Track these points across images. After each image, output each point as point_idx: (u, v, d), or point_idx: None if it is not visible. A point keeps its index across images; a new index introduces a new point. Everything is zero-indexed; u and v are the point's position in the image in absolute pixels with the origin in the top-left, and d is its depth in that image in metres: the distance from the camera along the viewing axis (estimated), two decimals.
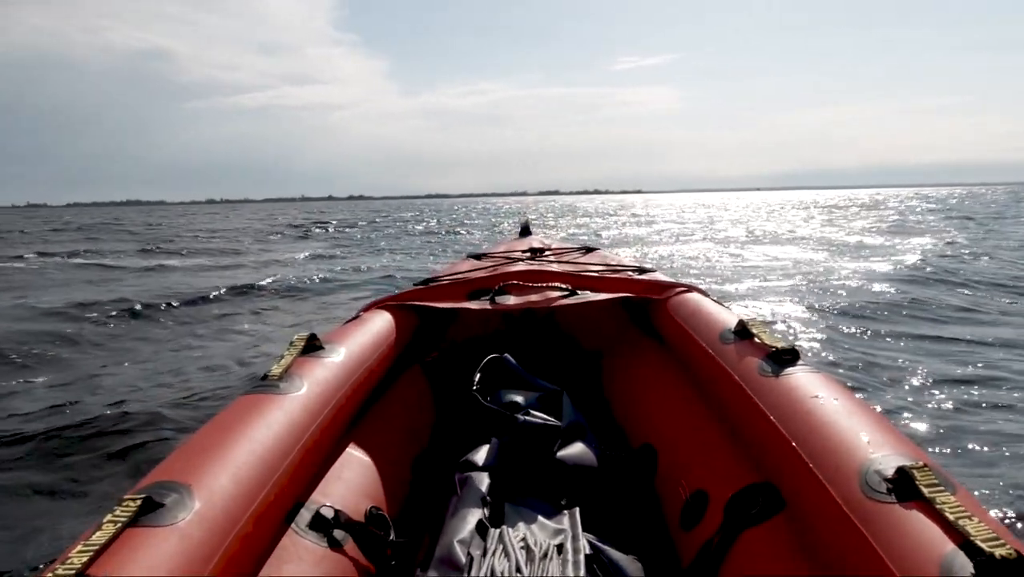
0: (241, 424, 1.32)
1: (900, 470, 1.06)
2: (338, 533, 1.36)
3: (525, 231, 5.01)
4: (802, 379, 1.47)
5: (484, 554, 1.30)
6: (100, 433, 3.59)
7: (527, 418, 1.77)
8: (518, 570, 1.25)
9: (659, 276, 2.82)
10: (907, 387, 4.26)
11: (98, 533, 0.93)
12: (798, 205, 52.27)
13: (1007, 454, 3.22)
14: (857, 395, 1.47)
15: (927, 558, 0.92)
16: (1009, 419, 3.70)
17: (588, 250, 3.65)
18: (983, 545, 0.89)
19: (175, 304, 8.10)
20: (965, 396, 4.06)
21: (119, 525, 0.95)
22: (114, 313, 7.45)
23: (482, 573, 1.24)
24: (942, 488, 1.02)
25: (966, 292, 7.97)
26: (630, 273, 2.83)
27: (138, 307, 7.72)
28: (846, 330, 5.93)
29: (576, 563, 1.28)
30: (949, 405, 3.91)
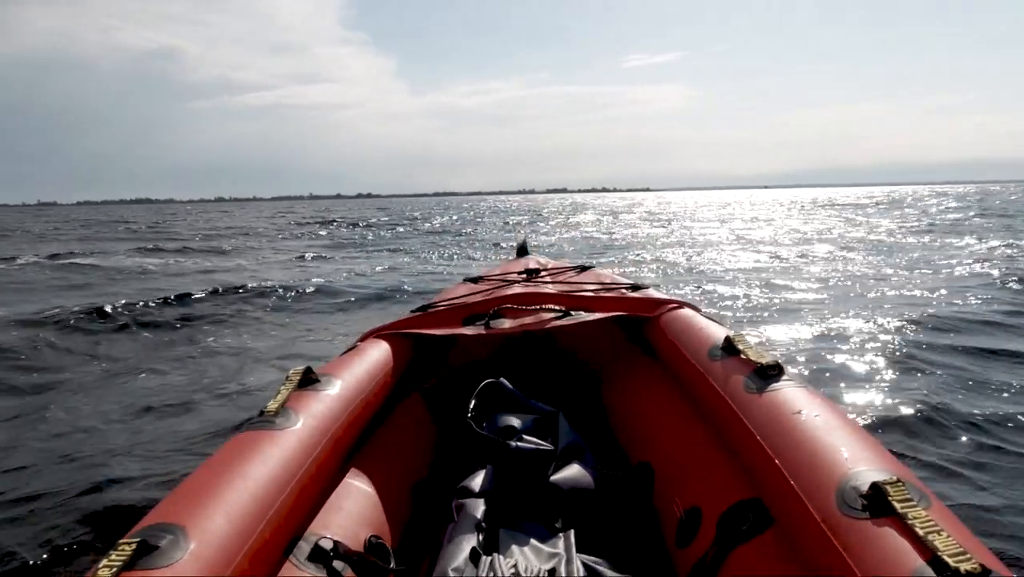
0: (236, 462, 1.32)
1: (874, 485, 1.07)
2: (337, 564, 1.36)
3: (522, 251, 5.01)
4: (786, 394, 1.48)
5: None
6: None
7: (519, 444, 1.80)
8: None
9: (652, 293, 2.82)
10: None
11: None
12: (816, 203, 50.96)
13: None
14: (841, 407, 1.47)
15: (896, 574, 0.93)
16: None
17: (583, 268, 3.63)
18: (950, 560, 0.91)
19: (173, 310, 7.35)
20: None
21: (114, 570, 0.95)
22: (92, 324, 6.70)
23: None
24: (914, 503, 1.03)
25: None
26: (624, 291, 2.83)
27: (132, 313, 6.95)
28: (956, 349, 5.07)
29: None
30: None
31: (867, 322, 6.07)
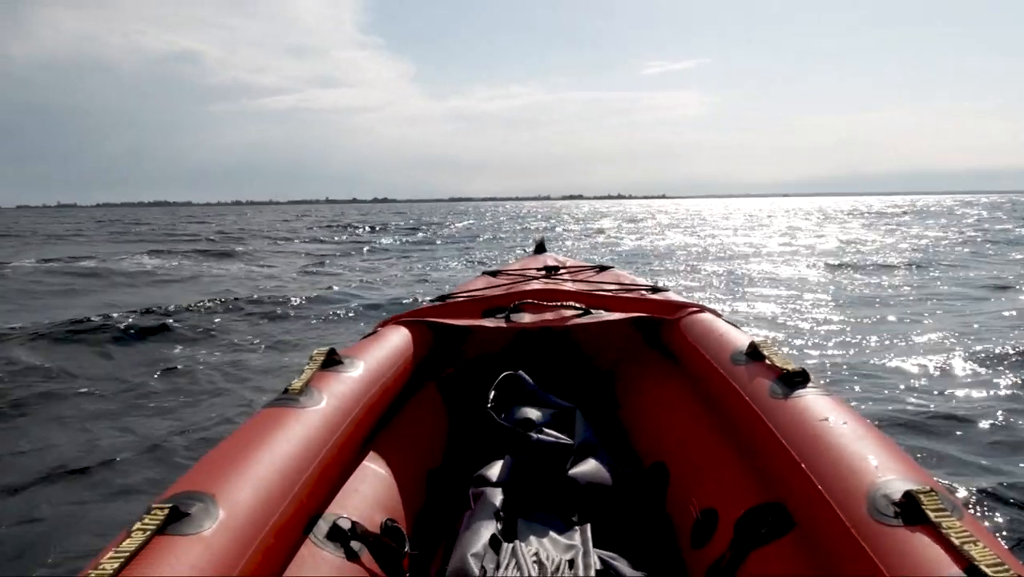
0: (262, 437, 1.33)
1: (907, 494, 1.05)
2: (355, 544, 1.37)
3: (540, 248, 4.96)
4: (812, 401, 1.46)
5: (497, 568, 1.32)
6: None
7: (540, 436, 1.77)
8: None
9: (672, 296, 2.78)
10: None
11: (128, 540, 0.95)
12: (843, 212, 49.49)
13: None
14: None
15: None
16: None
17: (602, 268, 3.60)
18: (988, 570, 0.89)
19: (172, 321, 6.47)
20: None
21: (148, 533, 0.96)
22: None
23: None
24: (948, 513, 1.01)
25: None
26: (643, 292, 2.82)
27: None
28: None
29: None
30: None
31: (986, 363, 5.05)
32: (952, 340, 5.79)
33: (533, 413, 1.95)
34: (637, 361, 2.63)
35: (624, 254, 16.49)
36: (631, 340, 2.76)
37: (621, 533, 1.63)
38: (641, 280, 3.34)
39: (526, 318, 2.47)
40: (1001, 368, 4.79)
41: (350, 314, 7.58)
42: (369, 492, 1.59)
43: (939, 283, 9.79)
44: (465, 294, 2.83)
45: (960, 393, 4.28)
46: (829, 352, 5.49)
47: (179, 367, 5.22)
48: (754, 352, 1.76)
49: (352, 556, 1.34)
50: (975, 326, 6.39)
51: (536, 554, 1.38)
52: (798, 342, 5.88)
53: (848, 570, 1.05)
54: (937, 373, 4.79)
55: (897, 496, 1.06)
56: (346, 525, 1.37)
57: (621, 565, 1.39)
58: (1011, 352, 5.09)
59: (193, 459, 3.30)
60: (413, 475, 1.83)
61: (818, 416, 1.38)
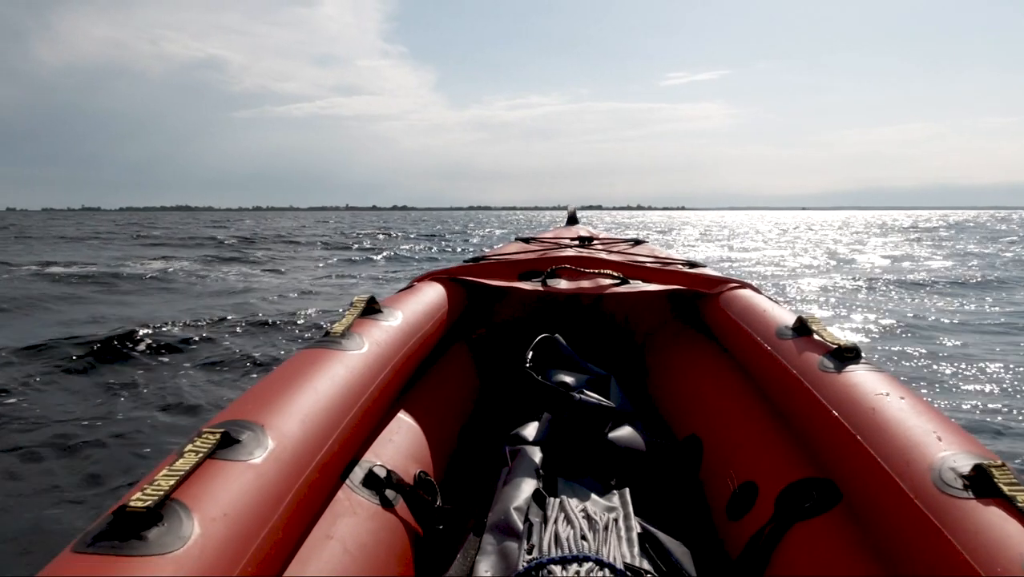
0: (307, 374, 1.33)
1: (977, 467, 1.03)
2: (389, 493, 1.37)
3: (572, 220, 4.77)
4: (865, 377, 1.42)
5: (544, 522, 1.30)
6: None
7: (583, 397, 1.73)
8: (583, 538, 1.24)
9: (709, 271, 2.66)
10: None
11: (180, 461, 0.94)
12: (878, 226, 48.00)
13: None
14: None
15: (1010, 556, 0.88)
16: None
17: (637, 242, 3.49)
18: None
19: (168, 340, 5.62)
20: None
21: (200, 456, 0.96)
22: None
23: (545, 538, 1.24)
24: (1021, 487, 0.98)
25: None
26: (680, 266, 2.74)
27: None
28: None
29: (630, 540, 1.27)
30: None
31: None
32: None
33: (569, 377, 1.92)
34: (670, 333, 2.60)
35: None
36: (663, 312, 2.75)
37: (656, 501, 1.62)
38: (676, 255, 3.21)
39: (562, 284, 2.41)
40: None
41: None
42: (403, 443, 1.58)
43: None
44: (499, 257, 2.77)
45: None
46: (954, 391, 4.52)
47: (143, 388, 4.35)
48: (802, 327, 1.73)
49: (387, 504, 1.34)
50: None
51: (584, 510, 1.35)
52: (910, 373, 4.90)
53: (913, 544, 1.02)
54: None
55: (965, 469, 1.03)
56: (382, 473, 1.37)
57: (659, 532, 1.35)
58: None
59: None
60: (445, 430, 1.83)
61: (874, 391, 1.34)
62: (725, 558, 1.46)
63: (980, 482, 1.00)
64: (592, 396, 1.76)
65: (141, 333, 5.92)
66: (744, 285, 2.36)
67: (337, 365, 1.41)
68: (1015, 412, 4.11)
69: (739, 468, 1.59)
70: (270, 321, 6.95)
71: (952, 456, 1.08)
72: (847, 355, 1.51)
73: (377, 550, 1.24)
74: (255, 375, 4.94)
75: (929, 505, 1.01)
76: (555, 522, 1.29)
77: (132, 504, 0.82)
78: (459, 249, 21.39)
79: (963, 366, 5.28)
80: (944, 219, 65.71)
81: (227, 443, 1.02)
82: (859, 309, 8.33)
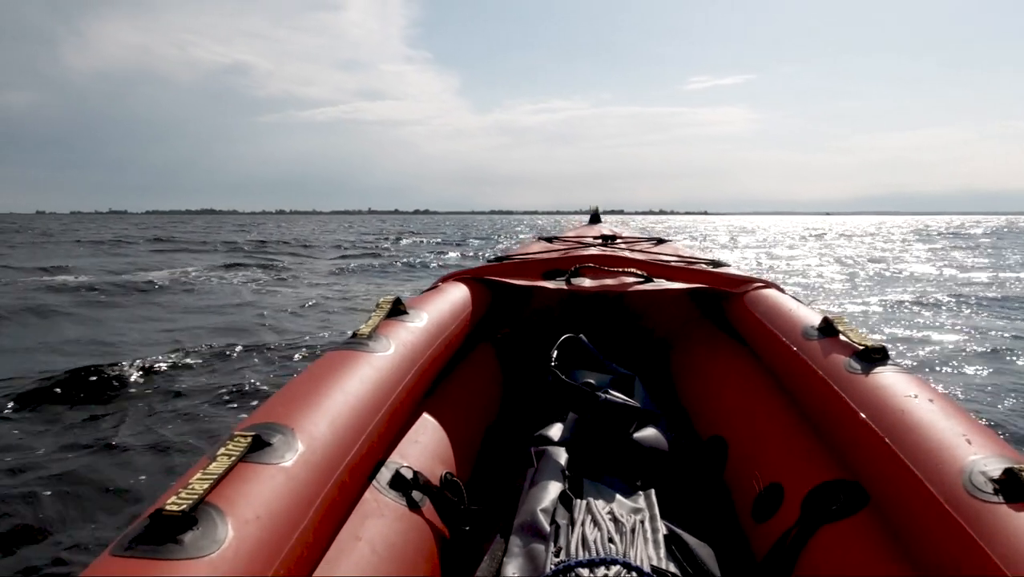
0: (335, 376, 1.34)
1: (1008, 471, 1.01)
2: (416, 494, 1.37)
3: (595, 218, 4.80)
4: (893, 378, 1.41)
5: (571, 524, 1.30)
6: None
7: (608, 396, 1.73)
8: (610, 541, 1.24)
9: (733, 270, 2.64)
10: None
11: (213, 464, 0.95)
12: (913, 231, 46.57)
13: None
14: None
15: None
16: None
17: (660, 241, 3.50)
18: None
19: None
20: None
21: (233, 459, 0.97)
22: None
23: (572, 541, 1.23)
24: None
25: None
26: (704, 265, 2.72)
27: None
28: None
29: (656, 542, 1.27)
30: None
31: None
32: None
33: (593, 377, 1.92)
34: (694, 333, 2.58)
35: None
36: (688, 312, 2.74)
37: (681, 503, 1.61)
38: (701, 254, 3.17)
39: (586, 283, 2.42)
40: None
41: None
42: (429, 444, 1.58)
43: None
44: (522, 256, 2.77)
45: None
46: None
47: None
48: (828, 327, 1.71)
49: (414, 506, 1.34)
50: None
51: (611, 511, 1.35)
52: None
53: (942, 548, 1.02)
54: None
55: (996, 473, 1.02)
56: (408, 475, 1.38)
57: (684, 533, 1.34)
58: None
59: None
60: (470, 431, 1.82)
61: (902, 392, 1.33)
62: (751, 560, 1.45)
63: (1011, 486, 0.99)
64: (617, 396, 1.76)
65: (125, 363, 5.30)
66: (769, 285, 2.35)
67: (364, 366, 1.42)
68: None
69: (764, 469, 1.58)
70: (309, 334, 6.31)
71: (982, 459, 1.07)
72: (875, 356, 1.50)
73: (405, 551, 1.25)
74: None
75: (959, 509, 1.00)
76: (582, 524, 1.29)
77: (168, 508, 0.83)
78: (499, 247, 20.69)
79: None
80: (977, 225, 63.73)
81: (258, 446, 1.02)
82: (934, 329, 7.51)
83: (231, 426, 1.34)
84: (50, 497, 2.86)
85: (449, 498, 1.42)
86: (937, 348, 6.27)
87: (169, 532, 0.81)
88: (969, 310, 8.85)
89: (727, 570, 1.31)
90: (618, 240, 3.35)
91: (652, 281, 2.40)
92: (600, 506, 1.36)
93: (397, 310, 1.77)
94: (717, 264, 2.79)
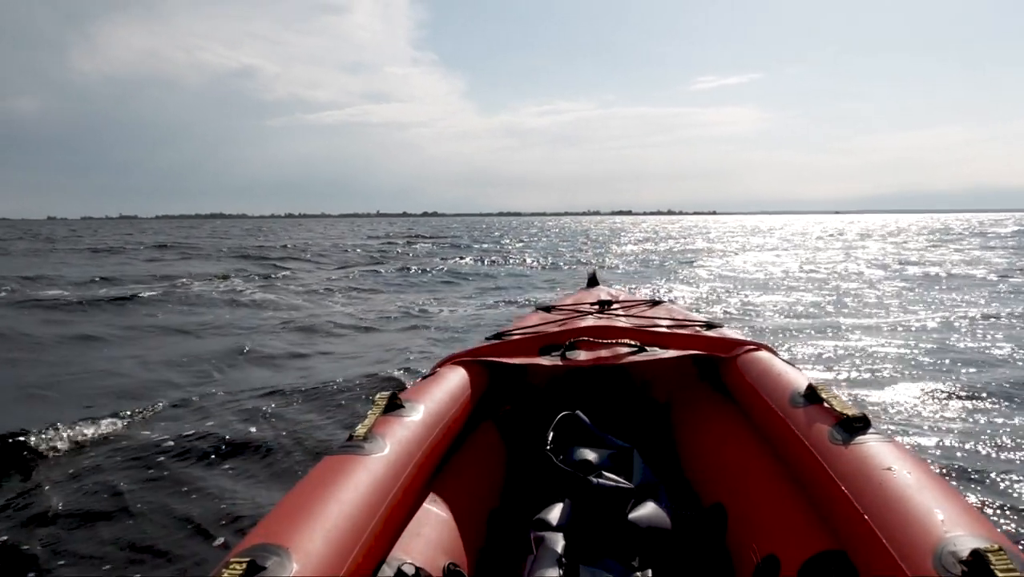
0: (330, 485, 1.34)
1: (975, 553, 1.04)
2: None
3: (592, 281, 4.97)
4: (874, 448, 1.43)
5: None
6: None
7: (600, 480, 1.76)
8: None
9: (727, 332, 2.75)
10: None
11: None
12: (929, 230, 45.81)
13: None
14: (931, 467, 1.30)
15: None
16: None
17: (655, 303, 3.61)
18: None
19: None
20: None
21: None
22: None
23: None
24: (1017, 573, 1.00)
25: None
26: (698, 328, 2.78)
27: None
28: None
29: None
30: None
31: None
32: None
33: (591, 454, 1.91)
34: (693, 398, 2.60)
35: (759, 282, 13.77)
36: (688, 376, 2.75)
37: None
38: (695, 315, 3.31)
39: (581, 356, 2.43)
40: None
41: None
42: (432, 535, 1.58)
43: None
44: (520, 331, 2.82)
45: None
46: None
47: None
48: (812, 394, 1.73)
49: None
50: None
51: None
52: None
53: None
54: None
55: (964, 554, 1.04)
56: (410, 571, 1.38)
57: None
58: None
59: None
60: (474, 516, 1.82)
61: (881, 464, 1.35)
62: None
63: (977, 568, 1.01)
64: (610, 478, 1.78)
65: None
66: (760, 347, 2.38)
67: (360, 472, 1.42)
68: None
69: (761, 540, 1.58)
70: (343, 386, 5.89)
71: (953, 538, 1.09)
72: (856, 424, 1.51)
73: None
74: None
75: None
76: None
77: None
78: (510, 262, 20.24)
79: None
80: (1001, 224, 62.59)
81: (253, 571, 1.02)
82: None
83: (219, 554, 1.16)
84: None
85: None
86: None
87: None
88: None
89: None
90: (614, 304, 3.38)
91: (646, 351, 2.43)
92: None
93: (393, 405, 1.77)
94: (710, 325, 2.84)
